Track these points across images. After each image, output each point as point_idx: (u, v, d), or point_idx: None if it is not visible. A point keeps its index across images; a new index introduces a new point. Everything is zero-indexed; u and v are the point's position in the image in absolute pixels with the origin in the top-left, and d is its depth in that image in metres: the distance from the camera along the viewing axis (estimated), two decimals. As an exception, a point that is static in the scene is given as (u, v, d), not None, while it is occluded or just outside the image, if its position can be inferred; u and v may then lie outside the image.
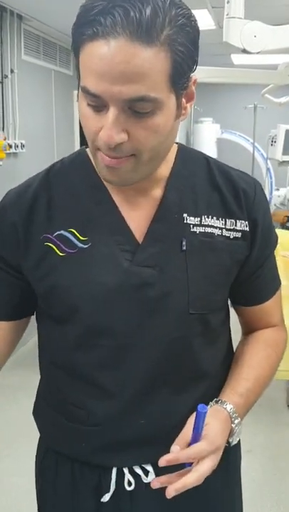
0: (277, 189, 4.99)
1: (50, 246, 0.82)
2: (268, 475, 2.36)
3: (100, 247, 0.81)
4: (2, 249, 0.86)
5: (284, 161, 4.68)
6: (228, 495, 0.97)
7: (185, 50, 0.67)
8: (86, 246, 0.81)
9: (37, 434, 0.99)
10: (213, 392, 0.87)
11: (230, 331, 0.96)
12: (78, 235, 0.81)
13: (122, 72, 0.64)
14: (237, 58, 5.33)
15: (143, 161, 0.73)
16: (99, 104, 0.68)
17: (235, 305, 0.96)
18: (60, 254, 0.81)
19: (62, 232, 0.81)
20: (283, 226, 4.39)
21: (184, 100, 0.73)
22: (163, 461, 0.71)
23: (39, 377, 0.98)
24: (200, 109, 5.84)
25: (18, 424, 2.68)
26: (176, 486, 0.70)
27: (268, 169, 5.71)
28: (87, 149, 0.85)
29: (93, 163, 0.82)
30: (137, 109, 0.67)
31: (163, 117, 0.69)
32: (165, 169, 0.83)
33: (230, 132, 6.26)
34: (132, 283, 0.80)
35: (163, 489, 0.77)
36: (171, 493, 0.70)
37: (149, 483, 0.83)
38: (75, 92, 3.91)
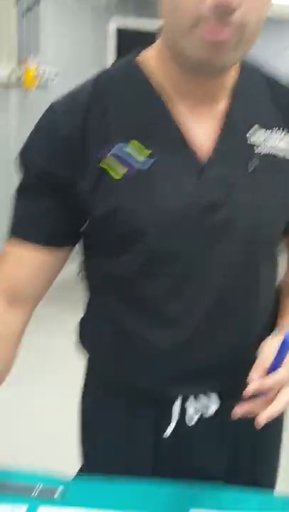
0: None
1: (109, 163, 0.74)
2: None
3: (164, 165, 0.74)
4: (54, 167, 0.76)
5: None
6: (278, 429, 0.98)
7: None
8: (149, 164, 0.74)
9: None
10: (269, 321, 0.87)
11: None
12: (141, 147, 0.74)
13: None
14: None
15: (247, 36, 0.67)
16: None
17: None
18: (122, 171, 0.74)
19: (122, 145, 0.74)
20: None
21: None
22: (249, 392, 0.70)
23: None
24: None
25: (52, 351, 2.77)
26: (266, 414, 0.70)
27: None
28: (137, 58, 0.78)
29: (144, 73, 0.76)
30: None
31: None
32: (230, 77, 0.77)
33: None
34: (199, 205, 0.74)
35: (223, 424, 0.83)
36: (262, 421, 0.69)
37: (209, 418, 0.85)
38: (110, 24, 3.72)
